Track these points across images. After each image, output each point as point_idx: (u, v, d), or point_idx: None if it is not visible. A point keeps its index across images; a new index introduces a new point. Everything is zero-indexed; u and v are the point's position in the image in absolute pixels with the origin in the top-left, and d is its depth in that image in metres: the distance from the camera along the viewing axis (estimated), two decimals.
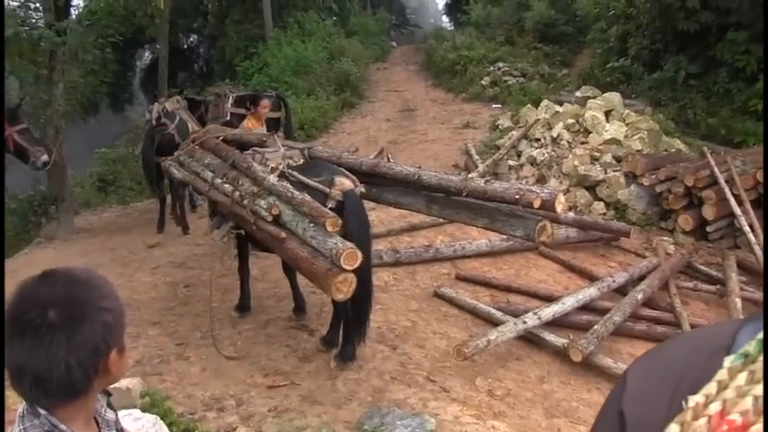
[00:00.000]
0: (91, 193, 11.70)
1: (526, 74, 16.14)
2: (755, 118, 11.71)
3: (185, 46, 24.95)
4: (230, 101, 8.50)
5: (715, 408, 0.49)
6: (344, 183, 4.42)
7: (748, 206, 7.74)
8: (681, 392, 0.55)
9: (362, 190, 4.55)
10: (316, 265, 3.92)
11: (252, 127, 6.66)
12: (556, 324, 5.63)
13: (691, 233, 8.30)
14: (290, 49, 16.95)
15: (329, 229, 3.90)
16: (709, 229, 8.20)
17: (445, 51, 18.69)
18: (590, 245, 7.87)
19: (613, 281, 6.40)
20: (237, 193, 4.60)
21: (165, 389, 4.27)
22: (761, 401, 0.48)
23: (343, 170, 4.66)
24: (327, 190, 4.33)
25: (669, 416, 0.54)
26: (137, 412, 2.80)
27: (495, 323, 5.51)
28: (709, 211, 8.10)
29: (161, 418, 3.35)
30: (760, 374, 0.50)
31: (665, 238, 8.28)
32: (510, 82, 15.79)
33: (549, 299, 6.01)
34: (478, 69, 16.89)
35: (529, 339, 5.49)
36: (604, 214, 8.75)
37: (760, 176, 8.00)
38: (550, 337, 5.42)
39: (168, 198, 8.47)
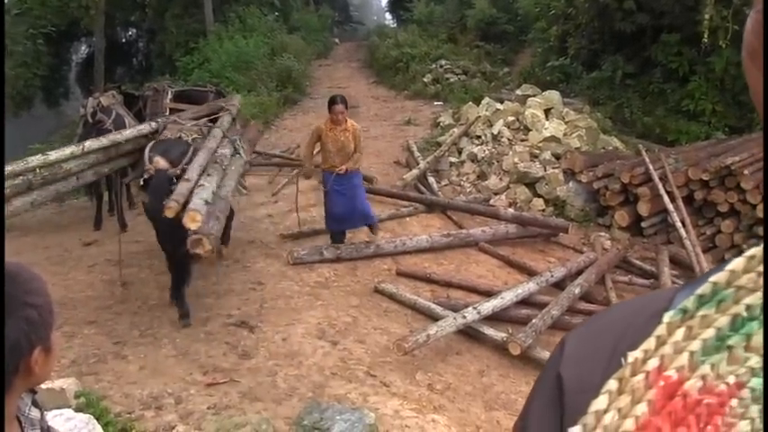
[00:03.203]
0: None
1: (468, 72, 16.33)
2: (687, 117, 12.18)
3: (123, 40, 24.26)
4: (169, 96, 8.32)
5: (653, 363, 0.49)
6: (159, 162, 5.10)
7: (680, 203, 8.02)
8: (619, 352, 0.55)
9: (177, 172, 5.07)
10: None
11: (327, 130, 6.52)
12: (495, 318, 5.72)
13: (626, 229, 8.57)
14: (231, 45, 16.69)
15: None
16: (643, 224, 8.49)
17: (388, 49, 18.74)
18: (529, 240, 8.03)
19: (552, 275, 6.54)
20: None
21: (102, 388, 4.18)
22: (696, 357, 0.48)
23: (189, 151, 5.36)
24: (147, 165, 5.10)
25: (607, 375, 0.53)
26: (69, 412, 2.73)
27: (435, 318, 5.56)
28: (643, 208, 8.38)
29: (96, 419, 3.28)
30: (697, 330, 0.50)
31: (602, 234, 8.52)
32: (452, 80, 15.94)
33: (489, 294, 6.10)
34: (421, 67, 16.99)
35: (468, 334, 5.57)
36: (543, 210, 8.95)
37: (692, 174, 8.31)
38: (490, 331, 5.52)
39: (106, 195, 8.24)
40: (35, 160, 5.36)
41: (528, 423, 0.63)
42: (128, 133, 6.36)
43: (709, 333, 0.50)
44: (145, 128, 6.51)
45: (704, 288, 0.52)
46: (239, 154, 6.03)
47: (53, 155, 5.56)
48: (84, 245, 7.54)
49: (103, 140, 6.06)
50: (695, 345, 0.49)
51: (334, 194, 6.55)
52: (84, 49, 23.67)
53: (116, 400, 4.06)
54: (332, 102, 6.66)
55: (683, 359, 0.49)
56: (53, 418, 2.72)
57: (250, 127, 7.52)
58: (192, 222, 4.37)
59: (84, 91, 18.53)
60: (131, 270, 6.46)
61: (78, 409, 3.35)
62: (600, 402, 0.50)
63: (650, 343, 0.51)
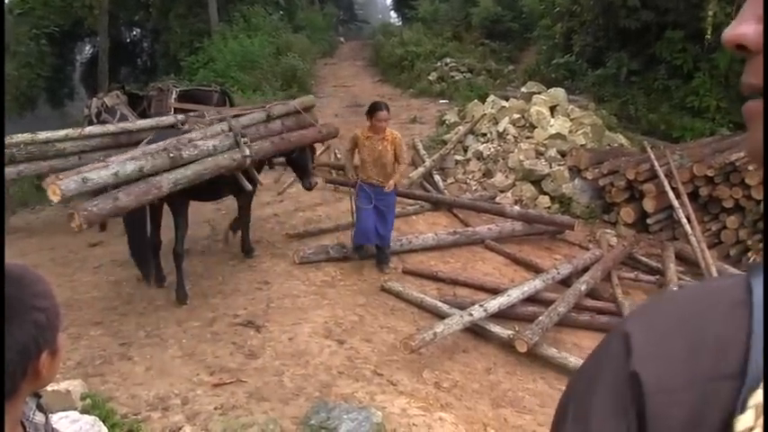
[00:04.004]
0: (29, 191, 11.28)
1: (473, 69, 16.31)
2: (692, 114, 12.15)
3: (128, 40, 24.32)
4: (173, 96, 8.32)
5: None
6: None
7: (685, 199, 8.01)
8: (703, 349, 0.51)
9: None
10: None
11: (364, 138, 6.15)
12: (502, 316, 5.70)
13: (632, 225, 8.55)
14: (235, 44, 16.71)
15: None
16: (649, 221, 8.46)
17: (393, 47, 18.75)
18: (535, 238, 8.01)
19: (558, 273, 6.52)
20: None
21: (108, 390, 4.18)
22: None
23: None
24: None
25: (692, 376, 0.50)
26: (74, 414, 2.72)
27: (441, 316, 5.55)
28: (649, 204, 8.35)
29: (103, 420, 3.28)
30: None
31: (607, 231, 8.49)
32: (457, 78, 15.93)
33: (495, 291, 6.08)
34: (426, 65, 17.00)
35: (475, 331, 5.55)
36: (549, 208, 8.93)
37: (696, 170, 8.28)
38: (496, 328, 5.50)
39: None
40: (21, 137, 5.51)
41: (592, 426, 0.57)
42: (144, 123, 6.36)
43: None
44: (166, 120, 6.45)
45: None
46: (239, 148, 5.85)
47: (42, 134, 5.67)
48: (89, 246, 7.55)
49: (110, 127, 6.17)
50: None
51: (368, 209, 6.18)
52: (88, 50, 23.73)
53: (122, 402, 4.05)
54: (375, 108, 6.15)
55: None
56: (58, 420, 2.72)
57: (307, 129, 6.82)
58: (53, 195, 4.39)
59: (88, 91, 18.53)
60: (137, 271, 6.45)
61: (84, 411, 3.35)
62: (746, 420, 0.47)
63: None
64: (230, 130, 5.80)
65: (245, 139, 5.77)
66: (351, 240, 6.49)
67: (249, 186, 5.97)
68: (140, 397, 4.15)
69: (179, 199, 5.56)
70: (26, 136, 5.52)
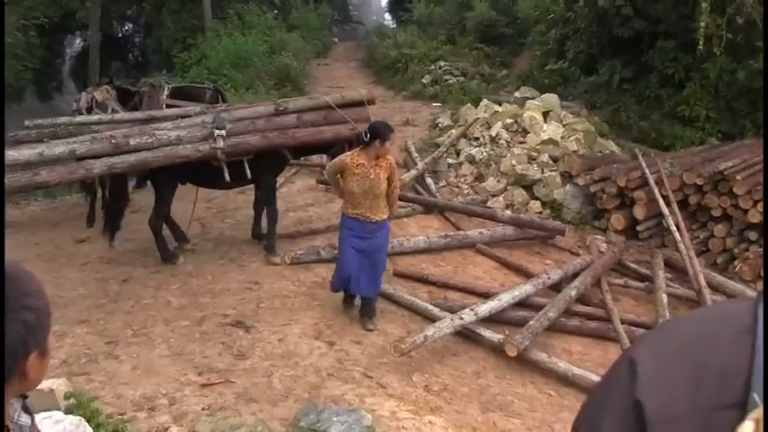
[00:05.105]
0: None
1: (466, 73, 16.32)
2: (682, 123, 12.22)
3: (120, 34, 24.17)
4: (165, 92, 8.22)
5: None
6: None
7: (675, 207, 8.04)
8: (707, 378, 0.51)
9: None
10: None
11: (353, 166, 5.09)
12: (492, 320, 5.70)
13: (622, 232, 8.57)
14: (229, 42, 16.61)
15: None
16: (639, 228, 8.49)
17: (387, 49, 18.72)
18: (526, 242, 8.02)
19: (548, 278, 6.53)
20: None
21: (93, 389, 4.10)
22: None
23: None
24: None
25: (695, 405, 0.50)
26: (58, 414, 2.67)
27: (432, 319, 5.54)
28: (639, 211, 8.38)
29: (87, 420, 3.22)
30: None
31: (598, 237, 8.51)
32: (450, 81, 15.93)
33: (486, 295, 6.09)
34: (419, 68, 16.98)
35: (465, 335, 5.54)
36: (540, 213, 8.92)
37: (686, 178, 8.31)
38: (486, 332, 5.49)
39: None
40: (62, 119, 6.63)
41: None
42: (170, 111, 6.65)
43: None
44: (192, 109, 6.68)
45: None
46: (213, 139, 5.91)
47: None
48: (76, 242, 7.45)
49: (138, 114, 6.76)
50: None
51: (353, 249, 5.21)
52: (78, 43, 23.57)
53: (108, 401, 3.99)
54: (386, 133, 5.12)
55: None
56: (41, 420, 2.67)
57: (332, 126, 6.50)
58: None
59: (78, 85, 18.37)
60: (125, 268, 6.40)
61: (68, 411, 3.29)
62: None
63: None
64: (214, 122, 5.87)
65: (222, 132, 5.79)
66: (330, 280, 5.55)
67: (244, 176, 6.17)
68: (126, 397, 4.09)
69: (158, 177, 6.25)
70: (66, 118, 6.71)
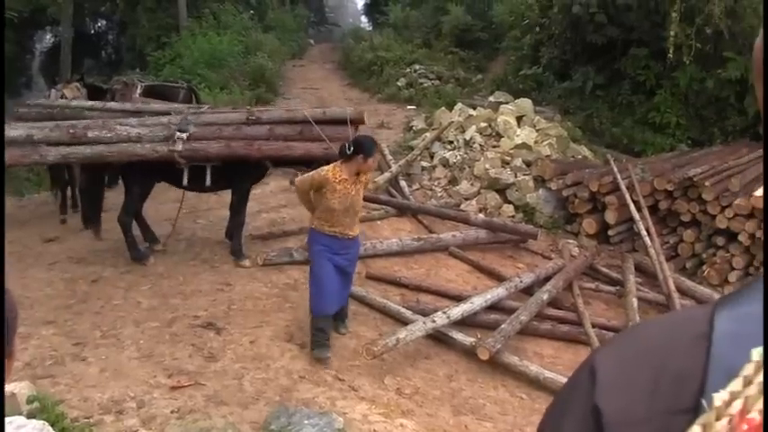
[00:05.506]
0: None
1: (441, 77, 16.39)
2: (653, 129, 12.45)
3: (92, 31, 23.83)
4: (138, 90, 8.12)
5: (737, 406, 0.46)
6: None
7: (646, 212, 8.16)
8: (664, 382, 0.52)
9: None
10: None
11: (335, 182, 4.72)
12: (464, 323, 5.71)
13: (594, 236, 8.67)
14: (204, 41, 16.49)
15: None
16: (610, 232, 8.60)
17: (363, 51, 18.74)
18: (499, 246, 8.06)
19: (521, 281, 6.57)
20: None
21: (58, 392, 4.02)
22: None
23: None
24: None
25: (651, 406, 0.51)
26: (20, 419, 2.59)
27: (404, 322, 5.54)
28: (610, 216, 8.49)
29: (51, 425, 3.15)
30: None
31: (570, 241, 8.59)
32: (425, 84, 15.98)
33: (459, 298, 6.10)
34: (395, 71, 17.02)
35: (438, 338, 5.55)
36: (513, 216, 8.99)
37: (657, 184, 8.45)
38: (459, 335, 5.51)
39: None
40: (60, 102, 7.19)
41: None
42: (158, 106, 6.76)
43: None
44: (177, 106, 6.90)
45: None
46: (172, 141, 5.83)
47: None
48: (44, 241, 7.31)
49: (128, 105, 6.89)
50: None
51: (332, 268, 4.85)
52: (49, 39, 23.19)
53: (73, 405, 3.90)
54: (365, 148, 4.80)
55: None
56: None
57: (304, 143, 6.13)
58: None
59: (48, 82, 18.04)
60: (95, 268, 6.29)
61: (31, 415, 3.21)
62: None
63: (737, 384, 0.47)
64: (179, 123, 5.87)
65: (183, 135, 5.75)
66: (309, 310, 4.97)
67: (222, 180, 6.19)
68: (93, 399, 4.01)
69: (130, 172, 6.29)
70: (63, 102, 7.12)
